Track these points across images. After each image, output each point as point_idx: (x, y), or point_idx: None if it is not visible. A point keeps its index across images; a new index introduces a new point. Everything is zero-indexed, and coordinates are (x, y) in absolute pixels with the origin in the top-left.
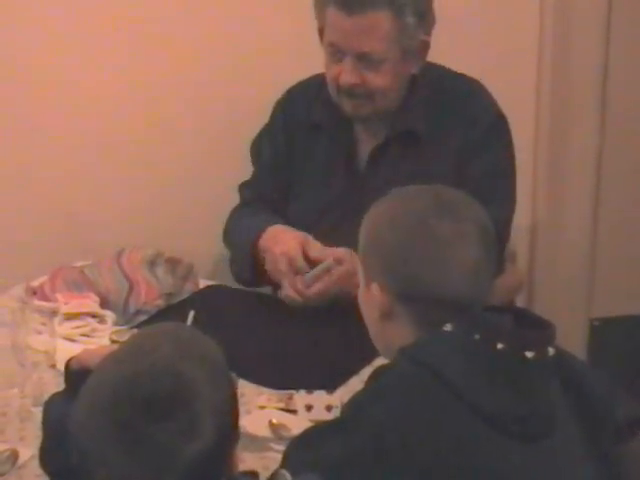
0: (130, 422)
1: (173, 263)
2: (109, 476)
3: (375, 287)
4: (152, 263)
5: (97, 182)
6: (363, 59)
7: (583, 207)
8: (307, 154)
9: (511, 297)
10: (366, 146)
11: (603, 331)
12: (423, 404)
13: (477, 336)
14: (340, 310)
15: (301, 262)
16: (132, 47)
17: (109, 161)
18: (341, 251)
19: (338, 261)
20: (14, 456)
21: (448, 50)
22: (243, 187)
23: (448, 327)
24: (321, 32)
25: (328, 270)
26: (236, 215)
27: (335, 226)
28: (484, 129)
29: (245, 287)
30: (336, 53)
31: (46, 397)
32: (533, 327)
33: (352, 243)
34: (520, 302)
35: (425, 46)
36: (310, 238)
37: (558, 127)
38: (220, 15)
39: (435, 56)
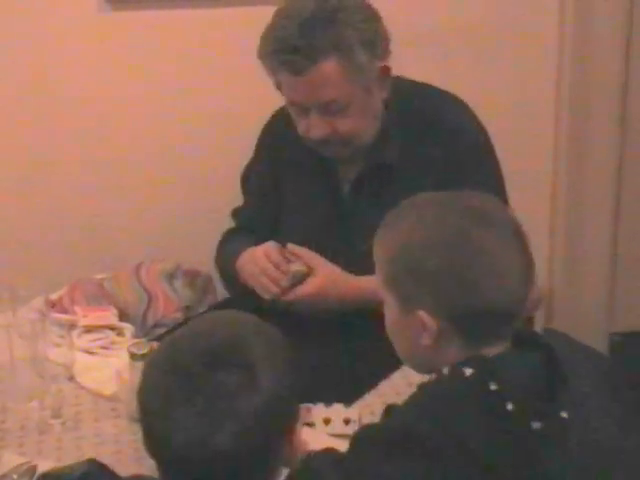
0: (190, 372)
1: (192, 276)
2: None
3: (422, 314)
4: (171, 276)
5: (116, 196)
6: (327, 109)
7: (602, 221)
8: (291, 182)
9: (530, 312)
10: (347, 175)
11: (624, 346)
12: (425, 460)
13: (493, 386)
14: (356, 324)
15: (277, 256)
16: (154, 66)
17: (128, 175)
18: (318, 261)
19: (311, 271)
20: (32, 470)
21: (468, 65)
22: (235, 212)
23: (468, 372)
24: (279, 89)
25: (303, 278)
26: (222, 243)
27: (321, 253)
28: (464, 148)
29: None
30: (300, 110)
31: (65, 409)
32: (555, 374)
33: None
34: (540, 317)
35: (385, 70)
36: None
37: (577, 143)
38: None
39: (456, 75)
